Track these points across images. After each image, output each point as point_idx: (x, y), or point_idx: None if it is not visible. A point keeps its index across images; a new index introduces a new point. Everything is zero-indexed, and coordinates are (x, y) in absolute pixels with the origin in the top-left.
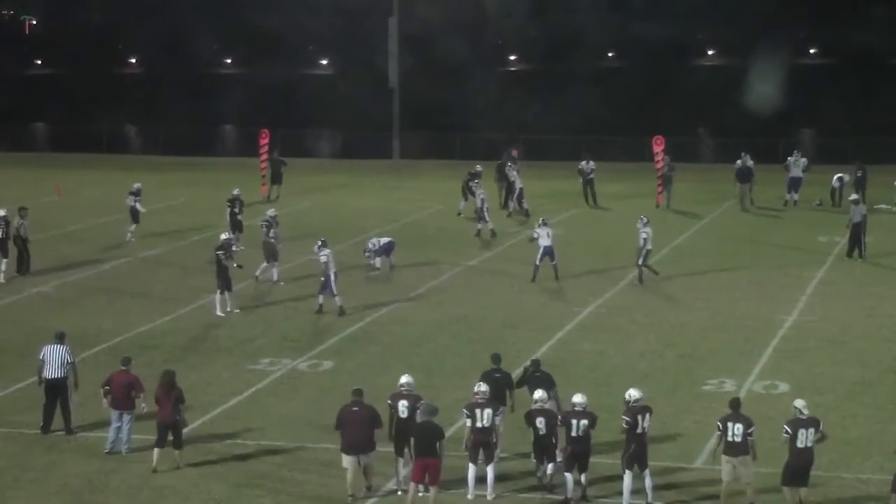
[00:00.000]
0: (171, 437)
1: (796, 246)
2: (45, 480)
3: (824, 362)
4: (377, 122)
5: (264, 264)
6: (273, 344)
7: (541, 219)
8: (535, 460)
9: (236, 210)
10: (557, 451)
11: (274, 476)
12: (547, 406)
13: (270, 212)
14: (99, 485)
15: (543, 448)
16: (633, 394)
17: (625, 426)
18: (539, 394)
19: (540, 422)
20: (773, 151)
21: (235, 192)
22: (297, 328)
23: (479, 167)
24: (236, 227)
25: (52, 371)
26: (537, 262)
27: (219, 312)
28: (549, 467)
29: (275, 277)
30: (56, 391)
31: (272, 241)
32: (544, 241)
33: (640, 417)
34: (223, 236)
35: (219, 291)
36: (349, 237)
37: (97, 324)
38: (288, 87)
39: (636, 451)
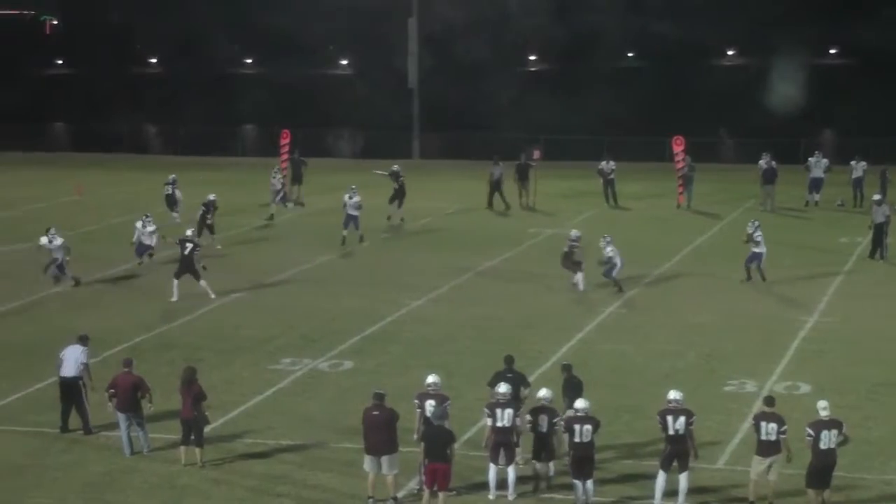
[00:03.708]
0: (192, 436)
1: (818, 246)
2: (67, 479)
3: (846, 363)
4: (397, 122)
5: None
6: (293, 343)
7: (606, 236)
8: (532, 459)
9: (208, 214)
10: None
11: (295, 475)
12: (551, 405)
13: (191, 232)
14: (121, 484)
15: (543, 447)
16: (669, 395)
17: (659, 426)
18: (543, 392)
19: (542, 419)
20: (794, 152)
21: (211, 196)
22: (317, 328)
23: (395, 167)
24: (208, 230)
25: (66, 370)
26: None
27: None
28: (551, 466)
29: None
30: (69, 391)
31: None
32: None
33: (669, 419)
34: (189, 232)
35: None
36: (369, 237)
37: (117, 323)
38: (308, 87)
39: (670, 452)
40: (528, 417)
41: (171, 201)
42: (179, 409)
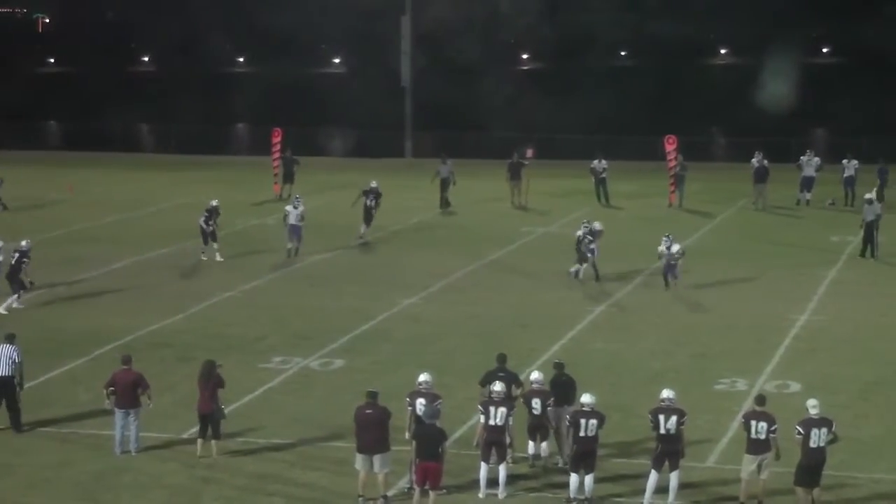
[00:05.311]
0: (210, 430)
1: (809, 245)
2: (58, 479)
3: (837, 362)
4: (390, 121)
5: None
6: (285, 342)
7: (591, 226)
8: (529, 440)
9: (210, 221)
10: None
11: (285, 474)
12: (544, 388)
13: (25, 242)
14: (112, 483)
15: (537, 427)
16: (662, 393)
17: (650, 424)
18: (535, 375)
19: (535, 402)
20: (786, 151)
21: (214, 202)
22: (308, 326)
23: (373, 183)
24: (211, 237)
25: None
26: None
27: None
28: (544, 446)
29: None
30: (3, 389)
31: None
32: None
33: (661, 417)
34: (24, 243)
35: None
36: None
37: (108, 322)
38: (301, 85)
39: (662, 450)
40: (521, 400)
41: None
42: (194, 403)
